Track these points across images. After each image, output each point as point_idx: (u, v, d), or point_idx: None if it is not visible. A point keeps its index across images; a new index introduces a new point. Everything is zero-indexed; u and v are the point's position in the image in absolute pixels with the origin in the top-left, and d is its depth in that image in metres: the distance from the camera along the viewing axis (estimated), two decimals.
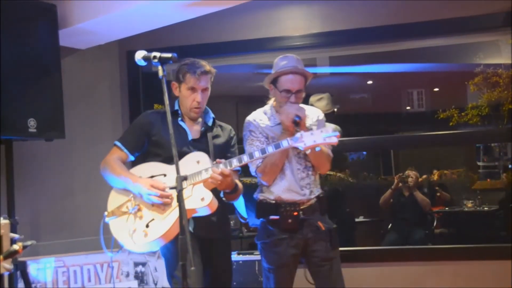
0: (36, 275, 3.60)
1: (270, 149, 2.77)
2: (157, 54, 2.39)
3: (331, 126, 3.07)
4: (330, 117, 4.03)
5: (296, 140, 2.70)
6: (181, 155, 2.75)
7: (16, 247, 2.14)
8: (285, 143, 2.74)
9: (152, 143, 2.93)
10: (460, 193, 7.33)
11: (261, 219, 3.12)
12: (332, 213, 3.30)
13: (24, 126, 3.36)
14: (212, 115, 3.06)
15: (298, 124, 2.87)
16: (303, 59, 3.19)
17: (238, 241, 6.59)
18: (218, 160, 2.76)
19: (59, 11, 3.66)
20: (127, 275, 3.88)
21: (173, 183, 2.33)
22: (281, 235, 3.02)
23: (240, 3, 3.83)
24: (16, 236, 2.35)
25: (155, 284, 3.90)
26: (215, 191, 2.75)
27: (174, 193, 2.58)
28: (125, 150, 2.91)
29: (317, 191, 3.12)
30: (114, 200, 2.81)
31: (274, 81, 3.09)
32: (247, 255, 4.03)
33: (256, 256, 4.00)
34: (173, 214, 2.64)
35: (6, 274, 3.12)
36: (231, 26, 4.38)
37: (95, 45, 4.28)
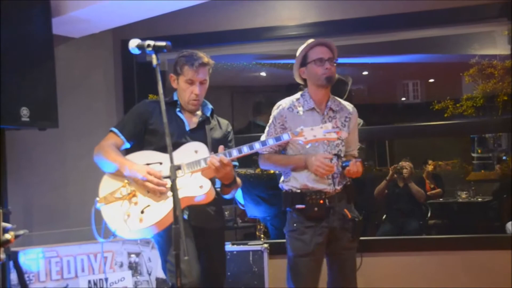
0: (28, 265, 3.58)
1: (271, 141, 2.82)
2: (151, 42, 2.36)
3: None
4: None
5: (297, 134, 2.76)
6: (179, 145, 2.78)
7: (8, 236, 2.13)
8: (285, 137, 2.80)
9: (148, 131, 2.92)
10: (454, 184, 7.36)
11: (287, 208, 3.13)
12: None
13: (16, 115, 3.33)
14: (210, 106, 3.06)
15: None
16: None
17: (233, 231, 6.61)
18: (221, 146, 2.77)
19: None
20: (121, 265, 3.87)
21: (168, 172, 2.31)
22: (307, 223, 3.03)
23: None
24: (8, 225, 2.33)
25: (149, 274, 3.89)
26: (211, 183, 2.75)
27: (169, 182, 2.56)
28: (122, 137, 2.89)
29: (344, 180, 3.14)
30: (107, 185, 2.78)
31: (304, 62, 3.11)
32: (242, 245, 4.04)
33: (250, 247, 4.02)
34: (169, 201, 2.63)
35: None
36: (227, 16, 4.36)
37: (89, 34, 4.24)
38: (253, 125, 4.70)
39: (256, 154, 3.15)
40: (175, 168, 2.25)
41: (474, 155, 9.09)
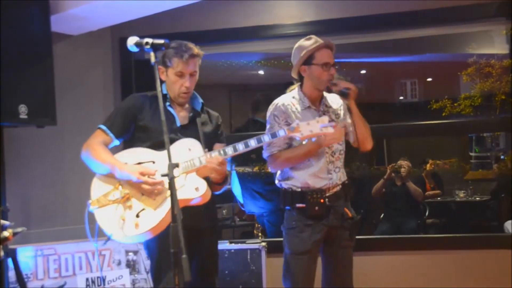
0: (26, 263, 3.58)
1: (266, 138, 2.75)
2: (150, 40, 2.34)
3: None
4: None
5: (293, 130, 2.72)
6: (170, 142, 2.71)
7: (6, 233, 2.13)
8: (281, 132, 2.75)
9: (138, 128, 2.79)
10: (452, 183, 7.38)
11: (286, 207, 3.11)
12: None
13: (15, 112, 3.32)
14: (200, 100, 2.95)
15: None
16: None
17: (230, 230, 6.62)
18: (216, 145, 2.71)
19: None
20: (119, 263, 3.87)
21: (163, 171, 2.23)
22: (306, 222, 3.02)
23: None
24: (6, 223, 2.34)
25: (147, 273, 3.89)
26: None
27: (165, 181, 2.51)
28: (111, 134, 2.77)
29: (343, 177, 3.13)
30: (98, 187, 2.67)
31: (308, 61, 3.06)
32: (239, 244, 4.04)
33: (248, 245, 4.01)
34: (164, 204, 2.55)
35: None
36: (225, 14, 4.35)
37: (87, 32, 4.24)
38: (251, 123, 4.70)
39: (254, 152, 3.12)
40: (173, 166, 2.17)
41: (472, 154, 9.11)
